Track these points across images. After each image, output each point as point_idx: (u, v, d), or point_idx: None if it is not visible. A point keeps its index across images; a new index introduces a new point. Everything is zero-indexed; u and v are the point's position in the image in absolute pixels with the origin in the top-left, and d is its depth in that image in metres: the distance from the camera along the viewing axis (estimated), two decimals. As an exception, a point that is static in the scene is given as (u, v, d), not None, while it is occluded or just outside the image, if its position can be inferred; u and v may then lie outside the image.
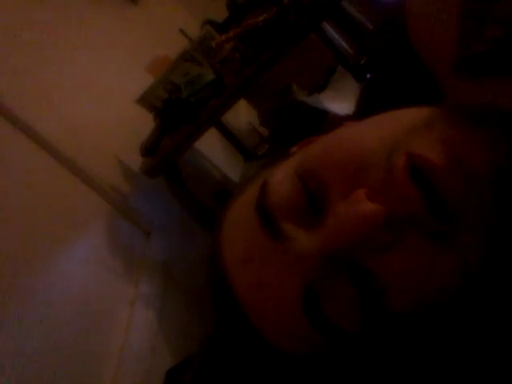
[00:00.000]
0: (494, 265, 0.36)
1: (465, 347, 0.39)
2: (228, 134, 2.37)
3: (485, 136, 0.35)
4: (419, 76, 0.48)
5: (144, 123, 1.68)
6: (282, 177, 0.40)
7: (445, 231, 0.34)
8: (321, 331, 0.37)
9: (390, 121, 0.40)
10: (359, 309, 0.36)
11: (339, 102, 1.96)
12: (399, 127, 0.38)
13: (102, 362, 1.06)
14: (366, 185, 0.35)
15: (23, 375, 0.87)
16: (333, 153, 0.39)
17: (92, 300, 1.15)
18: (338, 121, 0.45)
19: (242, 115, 2.73)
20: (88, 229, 1.32)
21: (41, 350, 0.93)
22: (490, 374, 0.37)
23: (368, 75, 0.65)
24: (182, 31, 1.62)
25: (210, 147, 2.18)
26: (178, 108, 1.49)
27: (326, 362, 0.42)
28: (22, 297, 0.97)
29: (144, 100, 1.63)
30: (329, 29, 1.88)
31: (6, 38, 1.45)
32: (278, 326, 0.39)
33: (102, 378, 1.04)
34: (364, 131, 0.41)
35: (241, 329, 0.42)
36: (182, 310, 1.39)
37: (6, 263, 0.97)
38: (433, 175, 0.34)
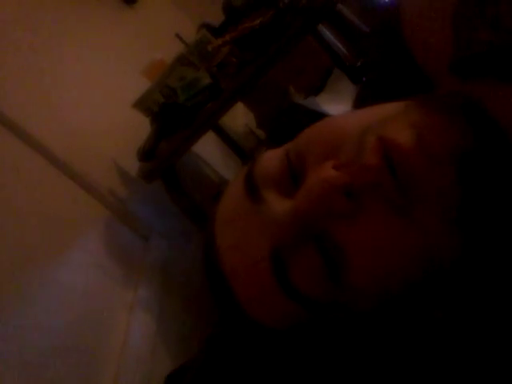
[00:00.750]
0: (471, 252, 0.37)
1: (442, 333, 0.40)
2: (225, 136, 2.36)
3: (450, 121, 0.37)
4: (415, 78, 0.49)
5: (141, 127, 1.68)
6: (271, 154, 0.44)
7: (406, 206, 0.36)
8: (287, 294, 0.39)
9: (371, 110, 0.43)
10: (323, 275, 0.38)
11: (336, 105, 1.96)
12: (376, 114, 0.41)
13: (101, 366, 1.06)
14: (337, 158, 0.38)
15: (23, 380, 0.87)
16: (315, 133, 0.42)
17: (91, 304, 1.15)
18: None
19: (239, 118, 2.73)
20: (86, 234, 1.32)
21: (40, 356, 0.93)
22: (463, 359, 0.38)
23: (364, 77, 0.65)
24: (178, 36, 1.62)
25: (208, 150, 2.18)
26: (175, 112, 1.49)
27: (308, 340, 0.43)
28: (21, 302, 0.97)
29: (140, 104, 1.63)
30: (325, 31, 1.89)
31: (2, 41, 1.45)
32: (250, 289, 0.41)
33: (102, 381, 1.04)
34: (346, 116, 0.44)
35: (225, 300, 0.44)
36: (180, 314, 1.39)
37: (4, 268, 0.97)
38: (397, 153, 0.35)
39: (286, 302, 0.39)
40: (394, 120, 0.38)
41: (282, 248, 0.38)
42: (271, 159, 0.43)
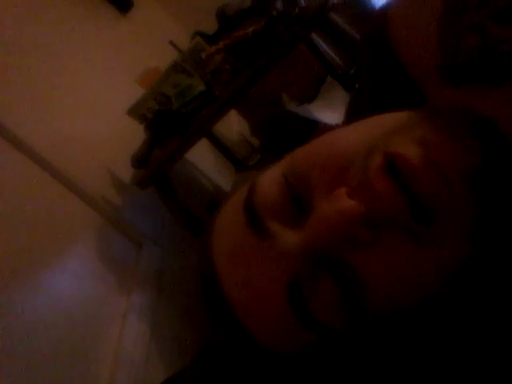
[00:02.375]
0: (481, 262, 0.37)
1: (454, 345, 0.39)
2: (219, 144, 2.37)
3: (461, 138, 0.36)
4: (406, 85, 0.49)
5: (135, 135, 1.68)
6: (269, 178, 0.41)
7: (423, 232, 0.35)
8: (306, 326, 0.38)
9: (372, 124, 0.42)
10: (342, 305, 0.37)
11: (329, 112, 1.97)
12: (379, 129, 0.39)
13: (94, 374, 1.05)
14: (346, 184, 0.37)
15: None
16: (316, 154, 0.40)
17: (84, 312, 1.14)
18: (327, 130, 0.46)
19: (233, 126, 2.73)
20: (79, 240, 1.32)
21: (31, 365, 0.92)
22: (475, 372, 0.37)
23: (357, 85, 0.65)
24: (172, 43, 1.63)
25: (201, 158, 2.18)
26: (169, 119, 1.49)
27: (314, 363, 0.42)
28: (12, 310, 0.96)
29: (135, 111, 1.63)
30: (317, 40, 1.90)
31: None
32: (263, 323, 0.40)
33: (95, 390, 1.03)
34: (346, 134, 0.42)
35: (230, 327, 0.43)
36: (174, 321, 1.38)
37: (-3, 276, 0.97)
38: (408, 173, 0.35)
39: (301, 332, 0.38)
40: (400, 136, 0.37)
41: (299, 281, 0.37)
42: (270, 185, 0.40)
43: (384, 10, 0.53)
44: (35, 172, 1.31)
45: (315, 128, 1.92)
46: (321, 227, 0.36)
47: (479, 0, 0.40)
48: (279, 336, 0.40)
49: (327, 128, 0.47)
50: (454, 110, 0.40)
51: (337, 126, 0.53)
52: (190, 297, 1.29)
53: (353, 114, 0.62)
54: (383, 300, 0.37)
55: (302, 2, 1.41)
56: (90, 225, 1.41)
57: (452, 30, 0.41)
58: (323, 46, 1.91)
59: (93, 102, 1.80)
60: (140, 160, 1.51)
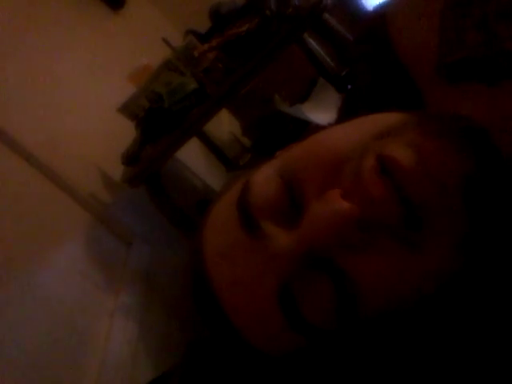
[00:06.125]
0: (470, 269, 0.37)
1: (443, 348, 0.39)
2: (210, 143, 2.36)
3: (454, 146, 0.36)
4: (401, 85, 0.49)
5: (125, 132, 1.67)
6: (263, 177, 0.41)
7: (413, 237, 0.35)
8: (296, 328, 0.38)
9: (364, 124, 0.41)
10: (333, 307, 0.37)
11: (321, 113, 1.97)
12: (372, 130, 0.39)
13: (81, 375, 1.04)
14: (340, 185, 0.36)
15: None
16: (310, 154, 0.40)
17: (71, 311, 1.13)
18: (319, 131, 0.45)
19: (225, 125, 2.73)
20: (68, 239, 1.30)
21: (17, 365, 0.91)
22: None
23: (349, 86, 0.65)
24: (164, 40, 1.62)
25: (192, 157, 2.18)
26: (160, 117, 1.48)
27: (304, 363, 0.42)
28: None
29: (126, 109, 1.62)
30: (310, 40, 1.90)
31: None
32: (253, 323, 0.40)
33: (82, 389, 1.02)
34: (340, 133, 0.42)
35: (220, 326, 0.42)
36: (162, 321, 1.37)
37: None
38: (400, 176, 0.35)
39: (291, 333, 0.38)
40: (393, 138, 0.37)
41: (290, 283, 0.37)
42: (264, 184, 0.40)
43: (382, 9, 0.53)
44: (23, 168, 1.29)
45: (307, 128, 1.92)
46: (314, 229, 0.36)
47: None
48: (269, 337, 0.40)
49: (319, 128, 0.46)
50: (448, 116, 0.40)
51: (329, 126, 0.53)
52: (179, 296, 1.28)
53: (345, 115, 0.62)
54: (373, 302, 0.37)
55: (296, 2, 1.41)
56: (78, 223, 1.40)
57: (454, 26, 0.41)
58: (316, 46, 1.91)
59: (83, 98, 1.79)
60: (130, 157, 1.50)
